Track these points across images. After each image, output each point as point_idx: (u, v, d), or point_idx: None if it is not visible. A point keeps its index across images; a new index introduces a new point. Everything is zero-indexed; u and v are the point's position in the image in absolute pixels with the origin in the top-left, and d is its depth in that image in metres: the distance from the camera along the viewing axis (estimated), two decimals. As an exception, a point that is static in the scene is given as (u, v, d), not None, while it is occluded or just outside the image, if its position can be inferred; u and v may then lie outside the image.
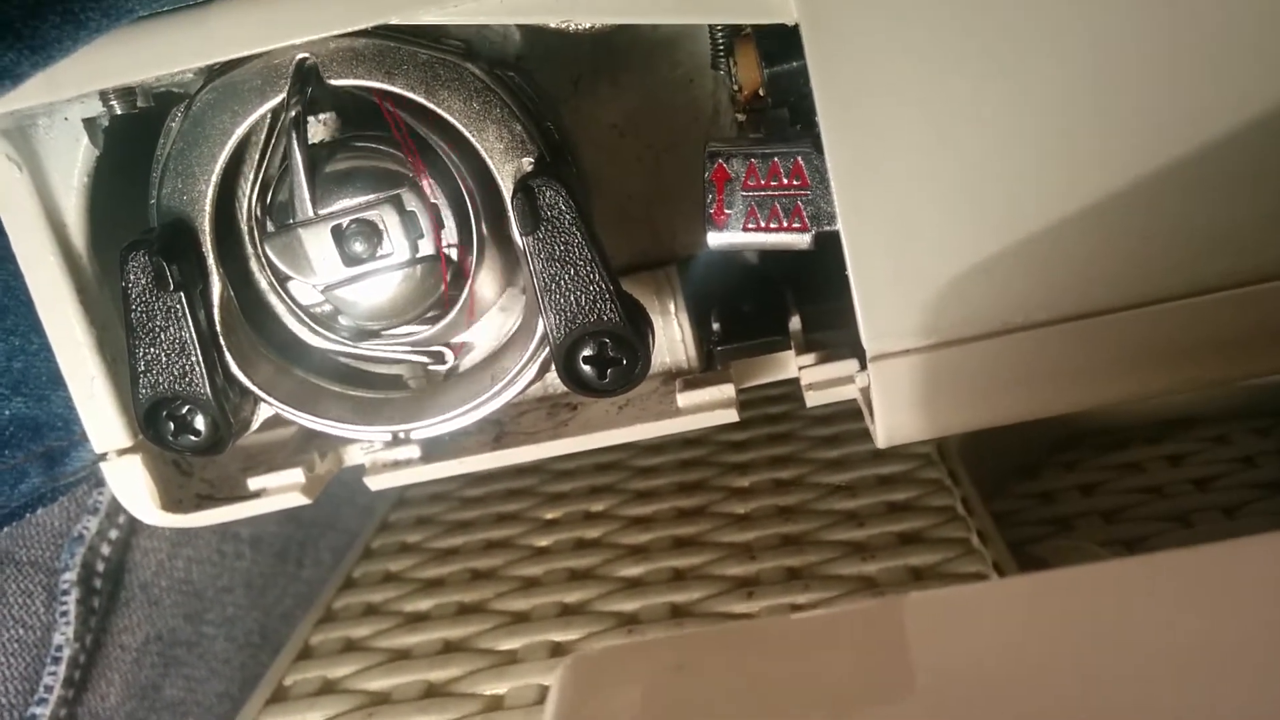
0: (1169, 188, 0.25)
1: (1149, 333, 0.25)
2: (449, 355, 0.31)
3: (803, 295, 0.35)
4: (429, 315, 0.29)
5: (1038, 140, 0.25)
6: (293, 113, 0.27)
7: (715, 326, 0.35)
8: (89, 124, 0.30)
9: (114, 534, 0.49)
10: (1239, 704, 0.17)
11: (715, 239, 0.28)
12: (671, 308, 0.35)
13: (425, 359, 0.30)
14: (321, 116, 0.29)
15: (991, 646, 0.19)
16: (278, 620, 0.58)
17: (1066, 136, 0.25)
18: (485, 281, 0.30)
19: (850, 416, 0.45)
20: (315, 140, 0.28)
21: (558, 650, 0.34)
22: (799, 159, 0.26)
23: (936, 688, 0.18)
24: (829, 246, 0.28)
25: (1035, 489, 0.43)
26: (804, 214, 0.27)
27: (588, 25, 0.28)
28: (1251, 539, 0.21)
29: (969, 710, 0.17)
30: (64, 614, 0.46)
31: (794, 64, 0.26)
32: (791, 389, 0.50)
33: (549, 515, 0.44)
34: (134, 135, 0.30)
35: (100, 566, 0.48)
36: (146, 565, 0.52)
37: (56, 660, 0.45)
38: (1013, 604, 0.20)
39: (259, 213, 0.29)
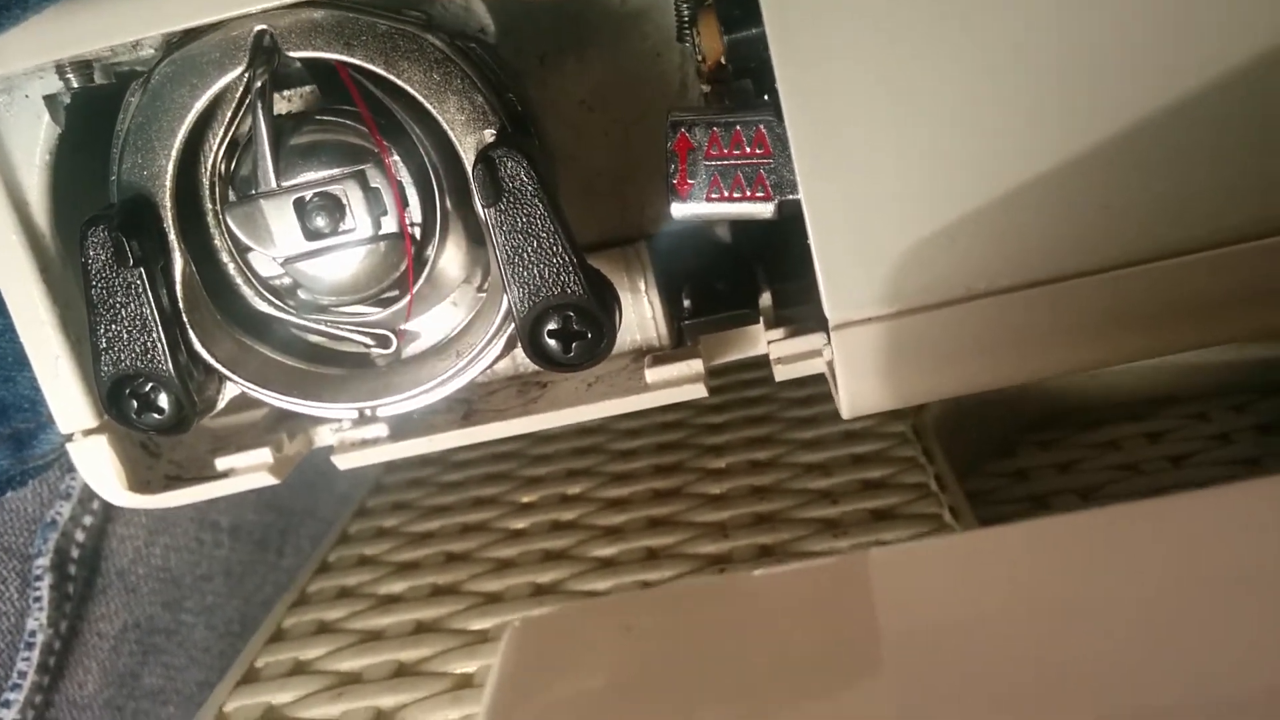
0: (1132, 151, 0.25)
1: (1114, 298, 0.25)
2: (394, 341, 0.30)
3: (774, 272, 0.35)
4: (386, 297, 0.29)
5: (999, 105, 0.24)
6: (258, 83, 0.27)
7: (686, 304, 0.35)
8: (50, 101, 0.29)
9: (88, 520, 0.48)
10: (1207, 652, 0.17)
11: (679, 209, 0.28)
12: (642, 285, 0.34)
13: (370, 341, 0.30)
14: (299, 90, 0.28)
15: (952, 600, 0.19)
16: (258, 608, 0.58)
17: (1028, 100, 0.24)
18: (449, 263, 0.30)
19: (827, 398, 0.45)
20: (282, 113, 0.28)
21: (529, 629, 0.34)
22: (761, 127, 0.26)
23: (895, 642, 0.18)
24: (799, 220, 0.28)
25: (1011, 467, 0.43)
26: (767, 183, 0.26)
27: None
28: (1219, 488, 0.21)
29: (928, 665, 0.17)
30: (37, 600, 0.46)
31: (754, 31, 0.26)
32: (769, 372, 0.50)
33: (526, 499, 0.43)
34: (96, 113, 0.30)
35: (75, 553, 0.48)
36: (123, 552, 0.52)
37: (30, 646, 0.45)
38: (971, 556, 0.20)
39: (222, 185, 0.29)
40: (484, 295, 0.30)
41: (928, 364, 0.26)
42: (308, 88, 0.29)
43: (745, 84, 0.28)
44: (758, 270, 0.35)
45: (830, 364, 0.28)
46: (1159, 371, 0.45)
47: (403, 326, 0.31)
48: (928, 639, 0.18)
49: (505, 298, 0.28)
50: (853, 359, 0.27)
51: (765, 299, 0.34)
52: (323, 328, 0.30)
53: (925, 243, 0.25)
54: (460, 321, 0.31)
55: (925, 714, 0.16)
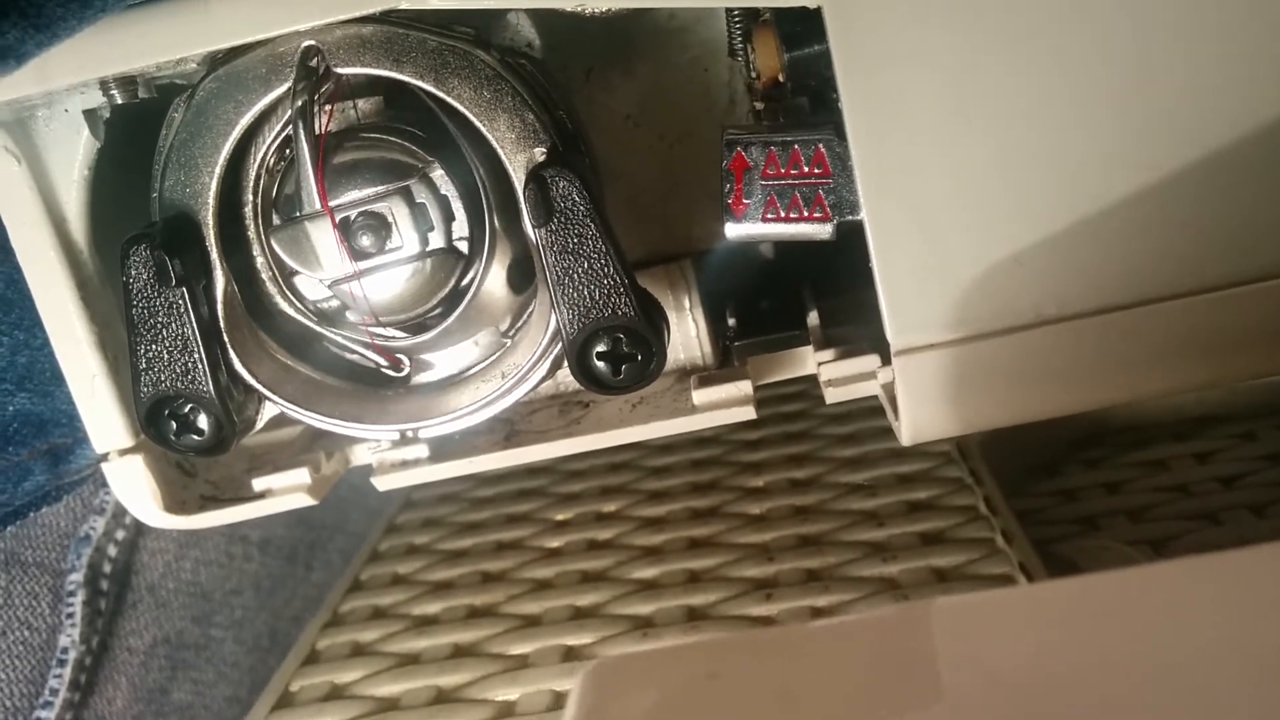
0: (1210, 174, 0.24)
1: (1188, 324, 0.24)
2: (406, 364, 0.30)
3: (820, 290, 0.34)
4: (424, 322, 0.29)
5: (1073, 123, 0.24)
6: (299, 101, 0.26)
7: (731, 322, 0.34)
8: (89, 115, 0.29)
9: (121, 535, 0.48)
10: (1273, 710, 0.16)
11: (733, 230, 0.27)
12: (686, 303, 0.34)
13: (381, 361, 0.30)
14: (359, 102, 0.28)
15: (1024, 653, 0.18)
16: (287, 623, 0.57)
17: (1103, 120, 0.24)
18: (488, 295, 0.29)
19: (867, 414, 0.45)
20: (332, 129, 0.28)
21: (570, 655, 0.34)
22: (820, 146, 0.25)
23: (968, 698, 0.17)
24: (849, 238, 0.27)
25: (1057, 487, 0.42)
26: (825, 203, 0.26)
27: (602, 10, 0.27)
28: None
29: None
30: (70, 616, 0.46)
31: (815, 48, 0.25)
32: (806, 387, 0.50)
33: (560, 516, 0.43)
34: (136, 129, 0.30)
35: (107, 568, 0.48)
36: (154, 567, 0.51)
37: (62, 663, 0.45)
38: (1048, 609, 0.19)
39: (265, 203, 0.28)
40: (508, 342, 0.30)
41: (993, 391, 0.25)
42: (379, 97, 0.28)
43: (800, 101, 0.28)
44: (804, 288, 0.35)
45: (887, 387, 0.28)
46: (1205, 391, 0.44)
47: (423, 355, 0.30)
48: (1010, 695, 0.17)
49: (553, 318, 0.28)
50: (915, 386, 0.26)
51: (813, 318, 0.33)
52: (339, 339, 0.29)
53: (994, 267, 0.24)
54: (475, 362, 0.30)
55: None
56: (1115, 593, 0.20)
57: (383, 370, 0.30)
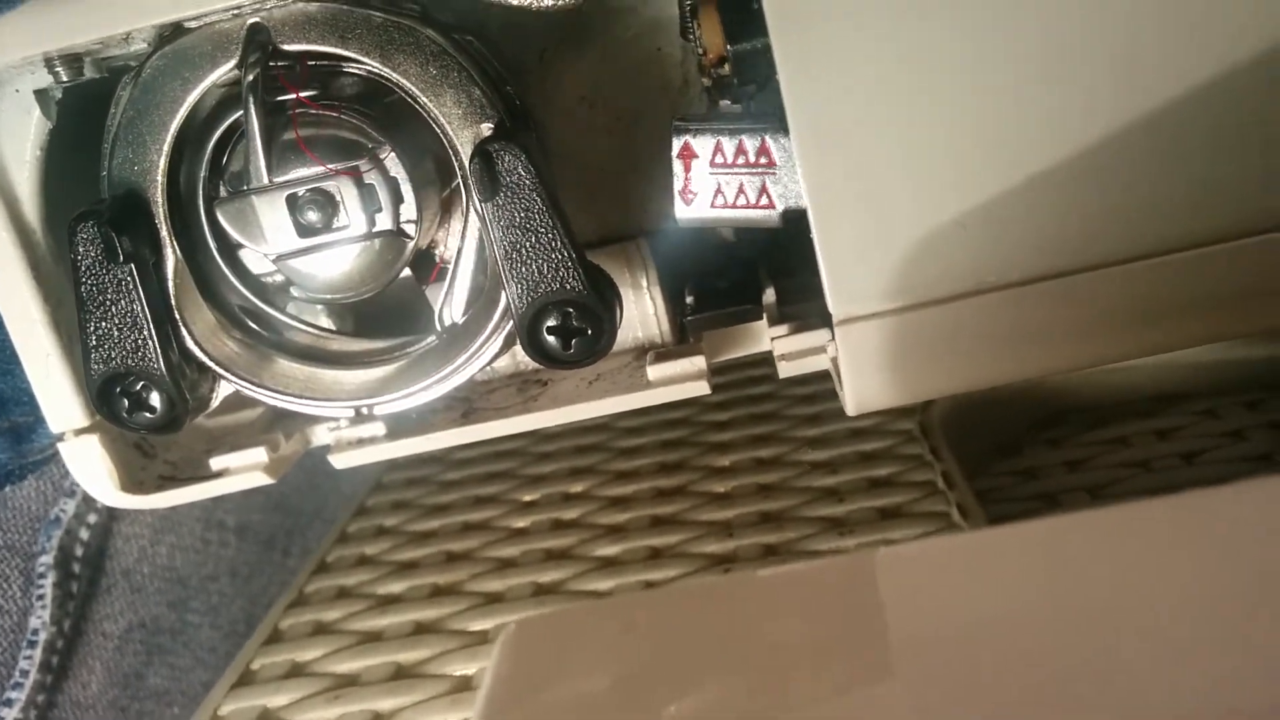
0: (1148, 140, 0.24)
1: (1130, 291, 0.24)
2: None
3: (778, 269, 0.34)
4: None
5: (1008, 94, 0.24)
6: (249, 77, 0.26)
7: (689, 300, 0.34)
8: (40, 95, 0.29)
9: (93, 518, 0.48)
10: (1223, 656, 0.17)
11: (683, 214, 0.27)
12: (644, 281, 0.34)
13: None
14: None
15: (961, 600, 0.18)
16: (264, 609, 0.57)
17: (1039, 89, 0.24)
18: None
19: (832, 395, 0.45)
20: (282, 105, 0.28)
21: (530, 630, 0.34)
22: (766, 138, 0.26)
23: (903, 642, 0.17)
24: (801, 223, 0.27)
25: (1019, 465, 0.42)
26: (771, 193, 0.26)
27: (550, 3, 0.27)
28: (1237, 485, 0.21)
29: (935, 667, 0.17)
30: (40, 598, 0.46)
31: (757, 44, 0.26)
32: (773, 369, 0.50)
33: (527, 497, 0.43)
34: (88, 108, 0.30)
35: (79, 551, 0.48)
36: (128, 552, 0.51)
37: (32, 644, 0.45)
38: (984, 554, 0.19)
39: (214, 180, 0.28)
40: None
41: (935, 359, 0.26)
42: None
43: (748, 88, 0.28)
44: (760, 266, 0.35)
45: (835, 360, 0.28)
46: (1167, 368, 0.44)
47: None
48: (935, 640, 0.17)
49: (503, 294, 0.28)
50: (857, 355, 0.26)
51: (769, 295, 0.33)
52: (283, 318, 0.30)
53: (933, 236, 0.24)
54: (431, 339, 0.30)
55: (934, 716, 0.16)
56: (1062, 536, 0.20)
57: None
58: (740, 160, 0.26)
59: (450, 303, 0.29)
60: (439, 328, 0.29)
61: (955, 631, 0.17)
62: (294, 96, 0.28)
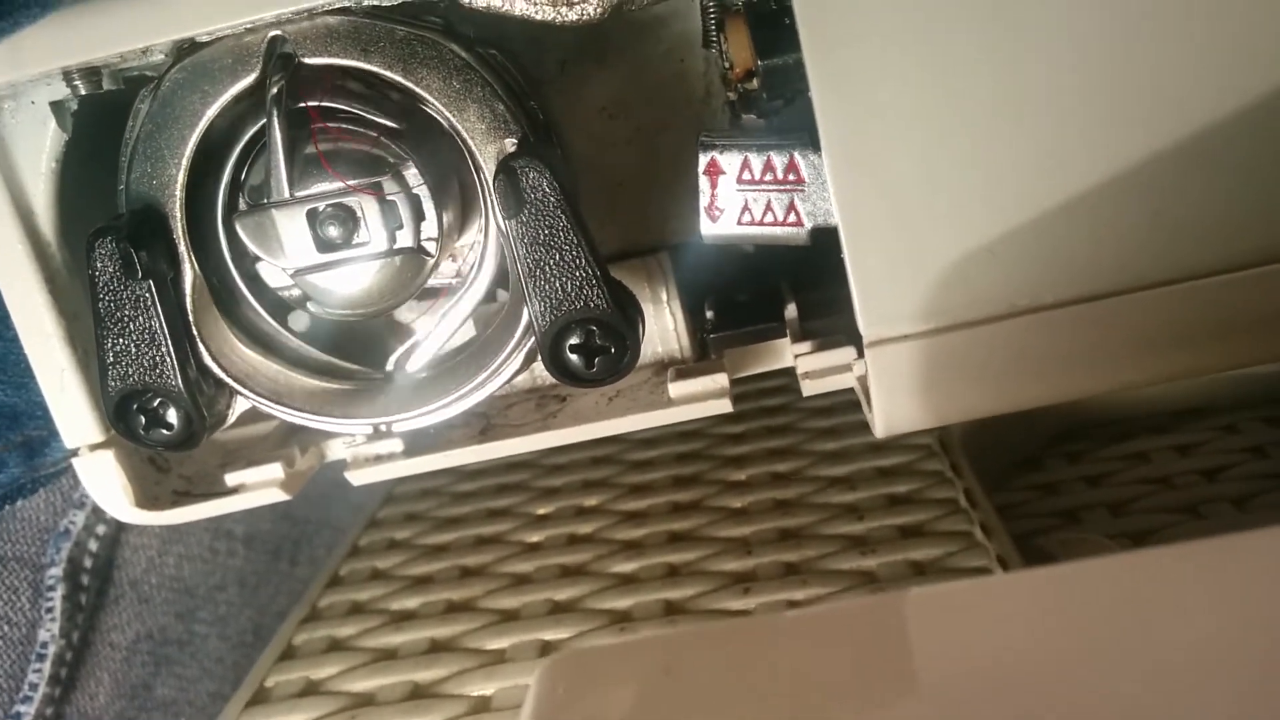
0: (1181, 164, 0.24)
1: (1162, 315, 0.24)
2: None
3: (799, 284, 0.34)
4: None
5: (1043, 115, 0.24)
6: (273, 90, 0.26)
7: (709, 315, 0.34)
8: (56, 108, 0.29)
9: (101, 529, 0.48)
10: (1251, 700, 0.16)
11: (709, 230, 0.27)
12: (664, 296, 0.33)
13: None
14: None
15: (994, 643, 0.18)
16: (271, 619, 0.57)
17: (1074, 111, 0.23)
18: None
19: (849, 408, 0.44)
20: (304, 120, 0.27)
21: (547, 649, 0.33)
22: (795, 154, 0.25)
23: (938, 687, 0.17)
24: (827, 238, 0.27)
25: (1038, 480, 0.42)
26: (800, 210, 0.25)
27: (574, 18, 0.27)
28: (1265, 531, 0.20)
29: (971, 710, 0.16)
30: (49, 610, 0.45)
31: (789, 59, 0.25)
32: (789, 381, 0.49)
33: (541, 511, 0.43)
34: (105, 121, 0.29)
35: (88, 563, 0.47)
36: (136, 562, 0.51)
37: (41, 657, 0.45)
38: (1018, 599, 0.19)
39: (233, 195, 0.28)
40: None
41: (966, 382, 0.25)
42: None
43: (775, 103, 0.27)
44: (781, 281, 0.34)
45: (862, 379, 0.27)
46: (1186, 383, 0.44)
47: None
48: (970, 685, 0.17)
49: (525, 311, 0.27)
50: (888, 377, 0.26)
51: (790, 310, 0.33)
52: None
53: (966, 258, 0.24)
54: (448, 356, 0.30)
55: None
56: (1093, 581, 0.20)
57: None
58: (768, 177, 0.25)
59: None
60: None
61: (988, 678, 0.17)
62: (314, 108, 0.27)
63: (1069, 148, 0.24)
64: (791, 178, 0.25)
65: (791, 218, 0.25)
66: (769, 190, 0.25)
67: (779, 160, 0.25)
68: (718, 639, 0.18)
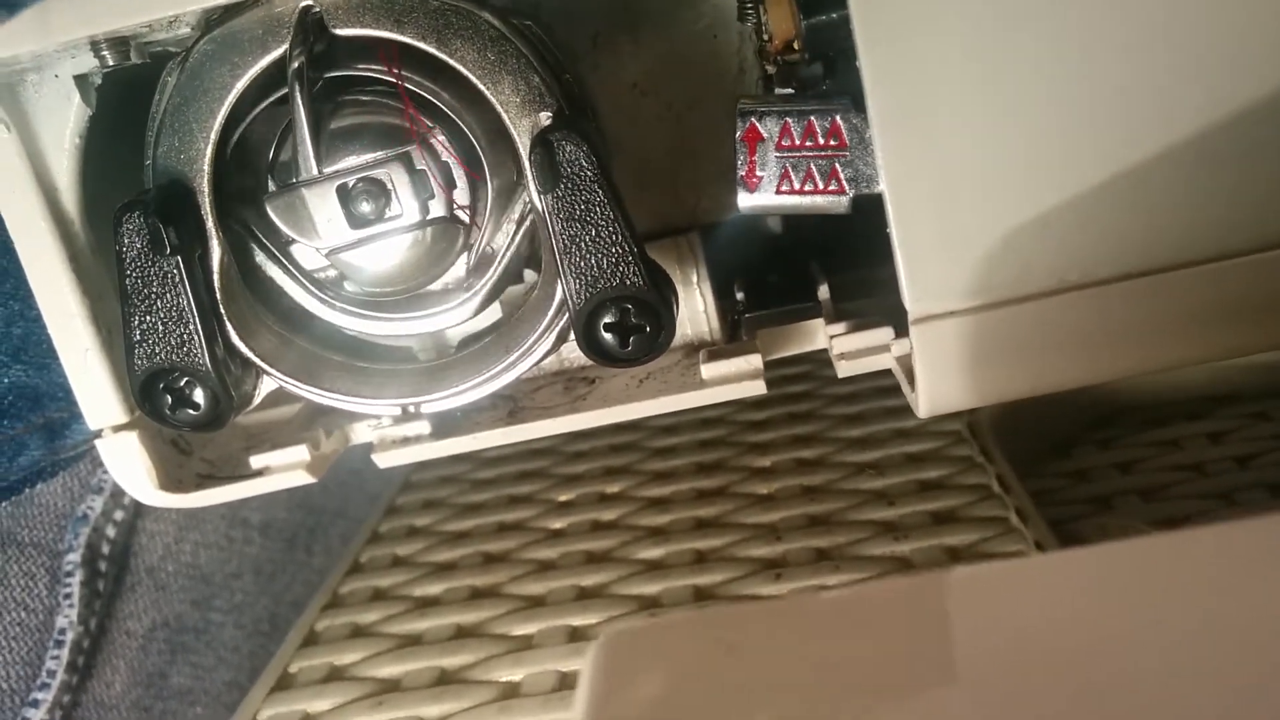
0: (1238, 135, 0.23)
1: (1217, 290, 0.23)
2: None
3: (831, 265, 0.34)
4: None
5: (1099, 87, 0.23)
6: (296, 64, 0.26)
7: (740, 296, 0.34)
8: (80, 81, 0.28)
9: (119, 515, 0.47)
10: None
11: (746, 202, 0.26)
12: (694, 277, 0.33)
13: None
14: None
15: (1046, 621, 0.17)
16: (288, 608, 0.56)
17: (1130, 80, 0.23)
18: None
19: (874, 394, 0.44)
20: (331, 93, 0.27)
21: (575, 635, 0.33)
22: (837, 118, 0.25)
23: (993, 663, 0.16)
24: (861, 211, 0.26)
25: (1069, 468, 0.41)
26: (841, 176, 0.25)
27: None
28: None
29: (1028, 689, 0.16)
30: (67, 597, 0.45)
31: (833, 15, 0.24)
32: (811, 368, 0.49)
33: (562, 498, 0.42)
34: (128, 97, 0.29)
35: (105, 549, 0.47)
36: (153, 549, 0.51)
37: (59, 644, 0.44)
38: (1072, 577, 0.19)
39: (262, 170, 0.28)
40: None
41: (1014, 360, 0.25)
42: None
43: (814, 69, 0.27)
44: (813, 262, 0.34)
45: (902, 359, 0.27)
46: (1218, 369, 0.43)
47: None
48: (1034, 662, 0.16)
49: (559, 288, 0.27)
50: (933, 355, 0.25)
51: (823, 291, 0.32)
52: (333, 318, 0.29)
53: (1015, 232, 0.23)
54: (475, 336, 0.30)
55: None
56: (1137, 560, 0.19)
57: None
58: (809, 142, 0.25)
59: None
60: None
61: (1041, 656, 0.16)
62: (340, 79, 0.27)
63: (1123, 118, 0.23)
64: (833, 142, 0.24)
65: (833, 185, 0.25)
66: (810, 155, 0.25)
67: (820, 124, 0.24)
68: (777, 615, 0.18)
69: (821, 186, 0.25)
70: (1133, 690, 0.16)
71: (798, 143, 0.25)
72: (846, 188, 0.25)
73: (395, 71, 0.26)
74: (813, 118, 0.25)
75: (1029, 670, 0.16)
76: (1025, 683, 0.16)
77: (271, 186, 0.27)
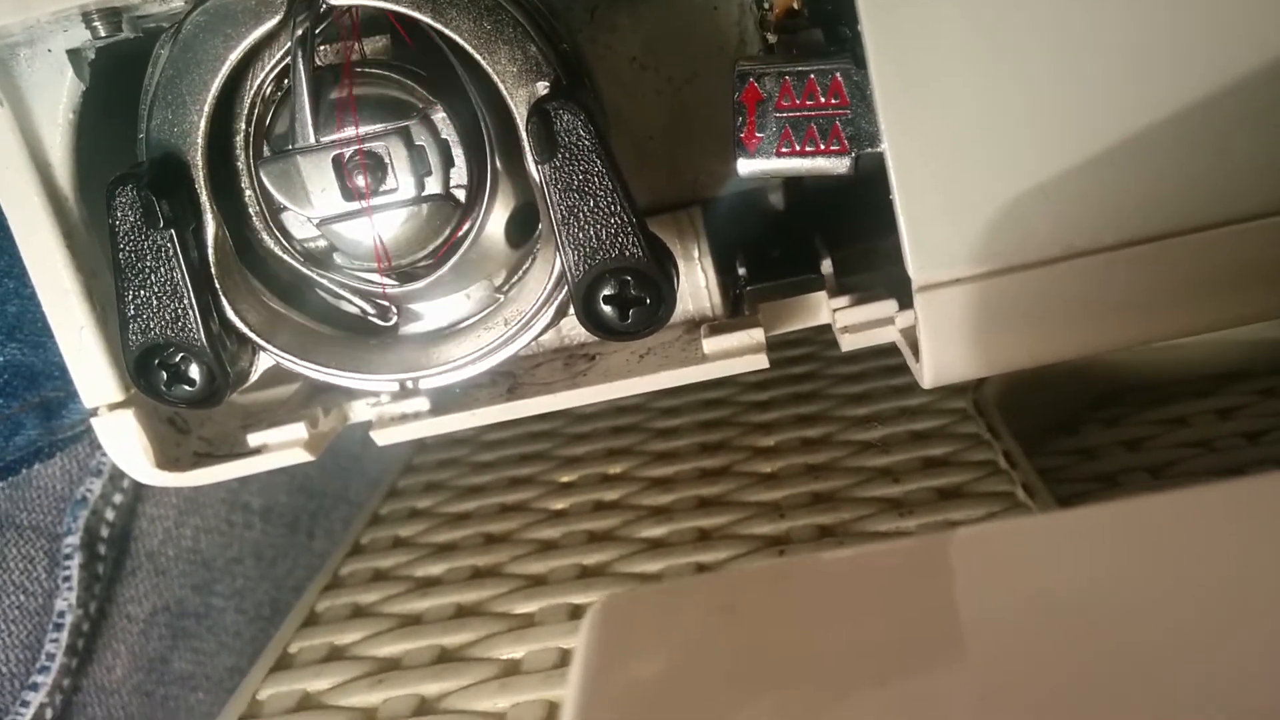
0: (1247, 100, 0.23)
1: (1229, 255, 0.23)
2: (394, 315, 0.29)
3: (832, 239, 0.33)
4: (416, 269, 0.28)
5: (1106, 44, 0.22)
6: (298, 32, 0.25)
7: (741, 271, 0.33)
8: (74, 55, 0.28)
9: (118, 499, 0.47)
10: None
11: (746, 165, 0.26)
12: (695, 252, 0.33)
13: (367, 306, 0.29)
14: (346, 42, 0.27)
15: (1054, 578, 0.17)
16: (289, 593, 0.56)
17: (1138, 39, 0.22)
18: (487, 242, 0.28)
19: (879, 373, 0.44)
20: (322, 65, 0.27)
21: (577, 613, 0.33)
22: (837, 75, 0.24)
23: (997, 622, 0.16)
24: (867, 175, 0.26)
25: (1075, 445, 0.41)
26: (843, 135, 0.24)
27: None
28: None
29: (1034, 647, 0.16)
30: (66, 580, 0.45)
31: None
32: (815, 348, 0.49)
33: (564, 479, 0.42)
34: (121, 72, 0.28)
35: (104, 532, 0.47)
36: (153, 533, 0.50)
37: (59, 627, 0.44)
38: (1078, 534, 0.18)
39: (256, 142, 0.27)
40: (500, 299, 0.29)
41: (1020, 328, 0.24)
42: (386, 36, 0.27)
43: (815, 33, 0.26)
44: (815, 236, 0.34)
45: (907, 331, 0.27)
46: (1225, 345, 0.43)
47: (412, 305, 0.29)
48: (1041, 618, 0.16)
49: (557, 261, 0.26)
50: (938, 324, 0.25)
51: (826, 265, 0.32)
52: (326, 283, 0.28)
53: (1021, 197, 0.23)
54: (465, 317, 0.29)
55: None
56: (1144, 517, 0.19)
57: (369, 318, 0.29)
58: (810, 101, 0.24)
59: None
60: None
61: (1050, 613, 0.16)
62: (343, 49, 0.27)
63: (1131, 82, 0.23)
64: (834, 100, 0.24)
65: (834, 144, 0.24)
66: (811, 114, 0.24)
67: (821, 83, 0.24)
68: (775, 576, 0.18)
69: (823, 146, 0.25)
70: (1140, 647, 0.16)
71: (798, 101, 0.24)
72: (848, 146, 0.24)
73: (351, 45, 0.25)
74: (813, 75, 0.24)
75: (1034, 629, 0.16)
76: (1031, 641, 0.16)
77: (268, 153, 0.27)
